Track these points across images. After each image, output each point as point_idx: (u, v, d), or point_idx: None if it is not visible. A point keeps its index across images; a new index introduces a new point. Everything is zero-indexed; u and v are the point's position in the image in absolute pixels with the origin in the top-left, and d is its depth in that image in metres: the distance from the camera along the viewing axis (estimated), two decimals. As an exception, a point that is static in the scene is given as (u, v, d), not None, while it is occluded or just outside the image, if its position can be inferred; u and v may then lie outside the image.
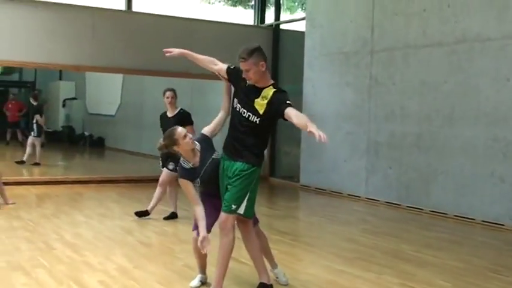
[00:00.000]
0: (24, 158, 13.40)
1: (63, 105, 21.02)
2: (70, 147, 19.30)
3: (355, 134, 10.69)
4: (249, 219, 4.64)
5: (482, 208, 8.51)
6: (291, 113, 4.21)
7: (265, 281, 4.74)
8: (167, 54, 4.87)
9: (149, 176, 10.44)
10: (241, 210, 4.49)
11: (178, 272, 4.90)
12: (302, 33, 12.17)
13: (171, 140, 4.60)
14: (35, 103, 13.87)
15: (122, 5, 12.39)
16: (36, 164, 13.27)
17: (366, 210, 9.77)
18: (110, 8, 11.99)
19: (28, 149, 13.47)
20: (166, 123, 7.23)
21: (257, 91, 4.45)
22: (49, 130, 17.19)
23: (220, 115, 4.77)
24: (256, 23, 13.81)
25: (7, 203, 8.57)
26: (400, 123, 9.84)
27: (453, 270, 5.92)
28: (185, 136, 4.57)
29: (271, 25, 13.52)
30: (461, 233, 8.01)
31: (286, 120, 4.27)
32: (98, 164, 16.25)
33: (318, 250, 6.72)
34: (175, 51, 4.85)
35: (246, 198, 4.49)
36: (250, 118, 4.44)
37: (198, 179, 4.63)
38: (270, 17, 13.73)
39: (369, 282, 5.35)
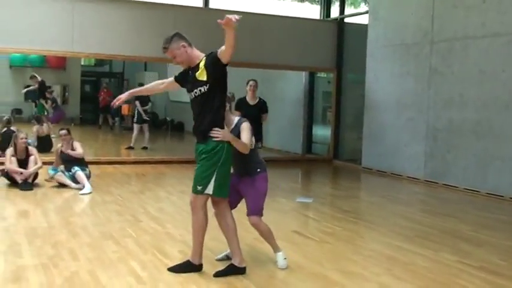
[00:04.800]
0: (146, 144, 13.37)
1: (148, 94, 21.44)
2: (154, 131, 19.62)
3: (415, 120, 10.44)
4: (222, 199, 4.48)
5: (538, 191, 8.17)
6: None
7: (236, 263, 4.53)
8: (117, 103, 4.79)
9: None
10: (209, 191, 4.33)
11: (249, 244, 4.94)
12: (365, 26, 11.95)
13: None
14: None
15: (199, 3, 12.52)
16: (130, 148, 13.32)
17: (424, 191, 9.56)
18: (189, 5, 12.15)
19: (146, 134, 13.42)
20: (248, 109, 7.85)
21: (195, 70, 4.34)
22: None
23: None
24: (322, 17, 13.66)
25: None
26: (458, 110, 9.53)
27: (509, 250, 5.72)
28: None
29: (336, 19, 13.34)
30: (517, 215, 7.72)
31: (224, 62, 4.17)
32: (179, 146, 16.58)
33: (379, 228, 6.62)
34: (123, 96, 4.79)
35: (213, 178, 4.30)
36: (201, 91, 4.29)
37: None
38: (335, 11, 13.55)
39: (426, 259, 5.24)
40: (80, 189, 7.95)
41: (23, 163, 8.15)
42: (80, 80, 20.48)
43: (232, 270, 4.52)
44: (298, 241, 5.74)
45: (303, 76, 13.66)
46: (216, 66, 4.25)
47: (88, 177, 8.28)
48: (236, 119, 4.64)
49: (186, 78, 4.48)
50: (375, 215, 7.51)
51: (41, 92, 15.15)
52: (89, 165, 8.71)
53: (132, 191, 8.36)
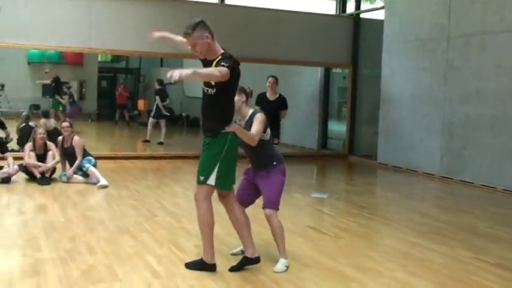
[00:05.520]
0: (162, 139, 13.46)
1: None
2: (169, 127, 19.70)
3: (431, 115, 10.36)
4: (226, 191, 4.42)
5: (556, 188, 8.07)
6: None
7: (248, 255, 4.50)
8: (155, 36, 4.78)
9: (239, 153, 10.55)
10: (211, 182, 4.25)
11: (265, 239, 4.95)
12: (381, 21, 11.88)
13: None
14: (158, 87, 13.86)
15: (215, -2, 12.54)
16: (147, 141, 13.41)
17: (440, 187, 9.49)
18: (205, 1, 12.15)
19: (163, 130, 13.50)
20: (267, 105, 7.77)
21: (208, 66, 4.21)
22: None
23: None
24: (338, 13, 13.59)
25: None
26: (475, 105, 9.44)
27: (525, 246, 5.67)
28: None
29: (352, 14, 13.27)
30: (534, 211, 7.64)
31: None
32: (194, 142, 16.51)
33: (394, 224, 6.60)
34: (156, 34, 4.77)
35: (216, 169, 4.24)
36: (208, 92, 4.24)
37: None
38: (350, 7, 13.48)
39: (442, 255, 5.22)
40: (94, 183, 8.02)
41: (41, 158, 8.25)
42: (96, 76, 20.57)
43: (246, 262, 4.52)
44: (313, 236, 5.74)
45: (319, 72, 13.62)
46: None
47: (94, 165, 8.31)
48: (251, 111, 4.58)
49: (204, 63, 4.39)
50: (390, 211, 7.49)
51: (56, 88, 15.27)
52: (106, 160, 8.76)
53: (148, 186, 8.41)
